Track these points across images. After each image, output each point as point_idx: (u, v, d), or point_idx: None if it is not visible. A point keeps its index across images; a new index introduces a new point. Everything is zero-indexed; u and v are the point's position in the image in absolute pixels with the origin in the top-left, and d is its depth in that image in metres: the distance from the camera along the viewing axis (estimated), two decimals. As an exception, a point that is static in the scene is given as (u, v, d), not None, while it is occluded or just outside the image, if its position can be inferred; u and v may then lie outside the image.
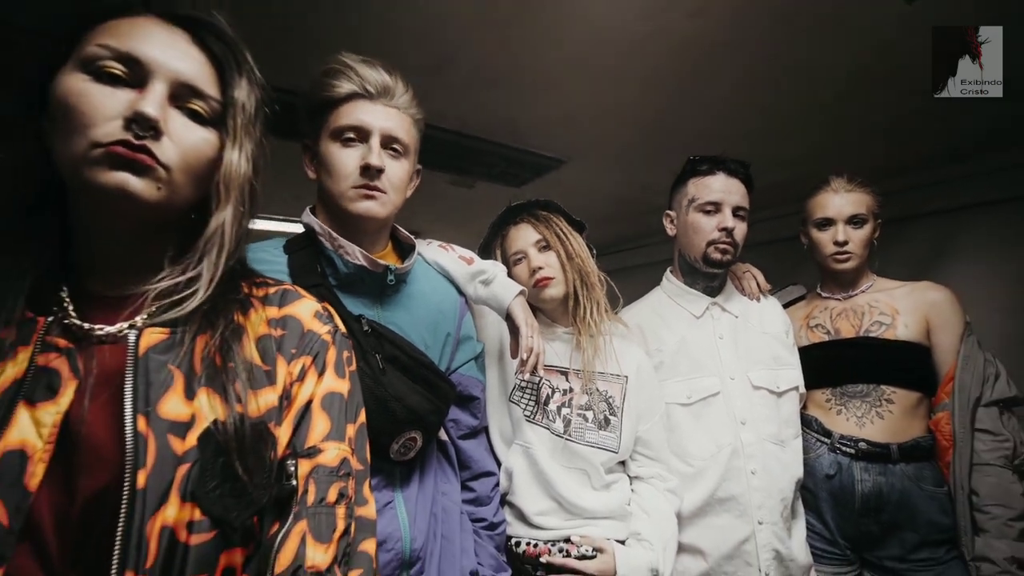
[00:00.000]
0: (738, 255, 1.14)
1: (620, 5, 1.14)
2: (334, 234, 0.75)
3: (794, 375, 1.17)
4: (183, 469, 0.42)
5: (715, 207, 1.10)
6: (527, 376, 0.96)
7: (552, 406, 0.99)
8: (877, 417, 1.16)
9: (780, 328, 1.20)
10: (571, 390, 1.00)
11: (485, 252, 1.10)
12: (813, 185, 1.30)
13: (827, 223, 1.25)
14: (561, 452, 0.96)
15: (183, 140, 0.47)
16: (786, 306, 1.37)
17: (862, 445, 1.15)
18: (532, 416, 0.98)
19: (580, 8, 1.14)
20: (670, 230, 1.19)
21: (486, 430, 0.99)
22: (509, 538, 0.95)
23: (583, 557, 0.89)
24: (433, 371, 0.75)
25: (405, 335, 0.76)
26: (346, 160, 0.74)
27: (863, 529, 1.15)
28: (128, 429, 0.42)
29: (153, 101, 0.45)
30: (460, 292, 0.93)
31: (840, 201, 1.24)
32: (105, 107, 0.44)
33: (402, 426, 0.70)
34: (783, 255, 1.73)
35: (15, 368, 0.43)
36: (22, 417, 0.41)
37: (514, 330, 0.89)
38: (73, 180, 0.45)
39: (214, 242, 0.48)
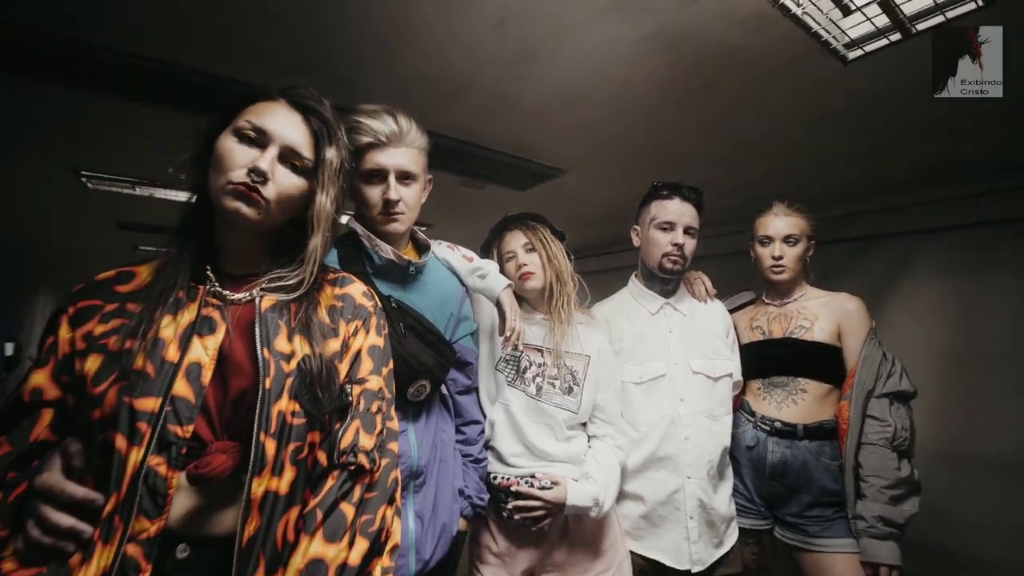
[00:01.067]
0: (688, 265, 1.41)
1: (607, 55, 1.40)
2: (372, 236, 1.03)
3: (729, 365, 1.44)
4: (289, 381, 0.71)
5: (670, 226, 1.37)
6: (510, 350, 1.24)
7: (528, 375, 1.27)
8: (792, 403, 1.44)
9: (721, 327, 1.47)
10: (544, 363, 1.28)
11: (485, 250, 1.38)
12: (759, 209, 1.56)
13: (767, 240, 1.51)
14: (533, 410, 1.25)
15: (281, 184, 0.74)
16: (737, 308, 1.64)
17: (777, 424, 1.43)
18: (512, 382, 1.27)
19: (575, 53, 1.39)
20: (635, 242, 1.46)
21: (477, 390, 1.27)
22: (488, 473, 1.23)
23: (543, 488, 1.17)
24: (440, 338, 1.03)
25: (420, 312, 1.04)
26: (372, 195, 1.01)
27: (773, 491, 1.43)
28: (259, 355, 0.70)
29: (267, 160, 0.72)
30: (462, 283, 1.20)
31: (779, 223, 1.50)
32: (239, 159, 0.72)
33: (416, 375, 0.99)
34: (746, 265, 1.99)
35: (189, 315, 0.71)
36: (196, 344, 0.70)
37: (501, 314, 1.17)
38: (215, 203, 0.73)
39: (310, 258, 0.77)
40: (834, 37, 1.29)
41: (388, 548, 0.76)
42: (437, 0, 1.17)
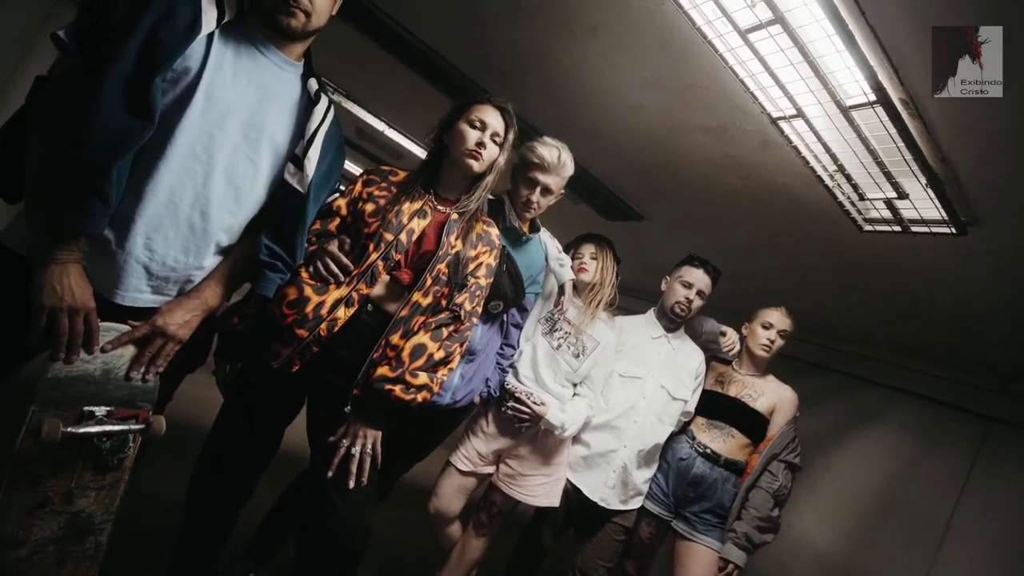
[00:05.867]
0: (690, 316, 1.97)
1: (701, 154, 1.97)
2: (512, 209, 1.66)
3: (687, 394, 1.97)
4: (448, 257, 1.34)
5: (689, 286, 1.93)
6: (555, 315, 1.85)
7: (557, 334, 1.87)
8: (722, 441, 1.96)
9: (694, 368, 2.00)
10: (569, 332, 1.87)
11: (567, 248, 1.98)
12: (766, 304, 2.09)
13: (769, 326, 2.03)
14: (549, 356, 1.84)
15: (490, 150, 1.37)
16: (717, 359, 2.15)
17: (707, 450, 1.95)
18: (545, 334, 1.87)
19: (680, 143, 1.98)
20: (663, 286, 2.04)
21: (523, 328, 1.88)
22: (507, 381, 1.83)
23: (534, 403, 1.76)
24: (520, 282, 1.64)
25: (517, 264, 1.65)
26: (524, 193, 1.61)
27: (685, 493, 1.95)
28: (442, 239, 1.34)
29: (484, 138, 1.36)
30: (546, 260, 1.82)
31: (783, 318, 2.02)
32: (472, 138, 1.36)
33: (497, 297, 1.60)
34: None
35: (417, 205, 1.36)
36: (415, 220, 1.35)
37: (560, 294, 1.78)
38: (455, 159, 1.37)
39: (482, 186, 1.39)
40: (856, 211, 1.81)
41: (450, 366, 1.38)
42: (603, 78, 1.79)
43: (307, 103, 1.15)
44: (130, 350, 1.03)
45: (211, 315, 1.17)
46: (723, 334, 2.02)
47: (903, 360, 2.65)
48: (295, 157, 1.13)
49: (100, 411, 0.99)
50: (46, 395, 0.94)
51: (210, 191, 1.03)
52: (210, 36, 0.97)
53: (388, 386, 1.24)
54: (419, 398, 1.27)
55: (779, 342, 2.00)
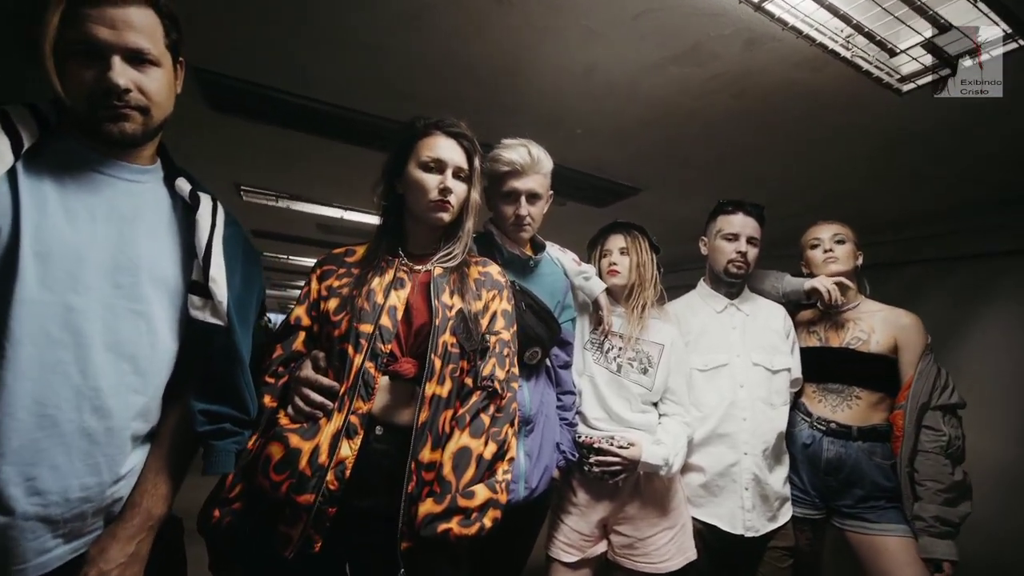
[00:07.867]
0: (750, 270, 1.62)
1: (679, 89, 1.65)
2: (504, 236, 1.35)
3: (788, 361, 1.60)
4: (450, 322, 1.02)
5: (735, 236, 1.59)
6: (598, 335, 1.51)
7: (611, 355, 1.52)
8: (847, 407, 1.56)
9: (781, 328, 1.64)
10: (623, 347, 1.52)
11: (592, 244, 1.65)
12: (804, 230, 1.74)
13: (818, 242, 1.68)
14: (614, 383, 1.49)
15: (458, 192, 1.08)
16: (802, 307, 1.79)
17: (832, 425, 1.56)
18: (598, 360, 1.52)
19: (651, 90, 1.67)
20: (703, 250, 1.70)
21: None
22: (577, 434, 1.48)
23: (621, 447, 1.40)
24: (550, 315, 1.31)
25: (537, 297, 1.32)
26: (507, 211, 1.32)
27: (827, 484, 1.56)
28: (433, 304, 1.03)
29: (447, 180, 1.06)
30: (567, 277, 1.49)
31: (826, 228, 1.68)
32: (431, 184, 1.06)
33: (531, 342, 1.27)
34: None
35: (389, 276, 1.06)
36: (393, 295, 1.04)
37: (598, 311, 1.46)
38: (420, 214, 1.08)
39: (466, 235, 1.10)
40: (886, 73, 1.48)
41: (507, 457, 1.04)
42: (538, 52, 1.50)
43: (184, 211, 0.86)
44: (67, 636, 0.71)
45: (163, 525, 0.86)
46: (817, 291, 1.59)
47: (1004, 220, 2.25)
48: (195, 285, 0.83)
49: None
50: None
51: (95, 378, 0.73)
52: (12, 174, 0.69)
53: (442, 526, 0.90)
54: (487, 522, 0.93)
55: (839, 249, 1.64)
